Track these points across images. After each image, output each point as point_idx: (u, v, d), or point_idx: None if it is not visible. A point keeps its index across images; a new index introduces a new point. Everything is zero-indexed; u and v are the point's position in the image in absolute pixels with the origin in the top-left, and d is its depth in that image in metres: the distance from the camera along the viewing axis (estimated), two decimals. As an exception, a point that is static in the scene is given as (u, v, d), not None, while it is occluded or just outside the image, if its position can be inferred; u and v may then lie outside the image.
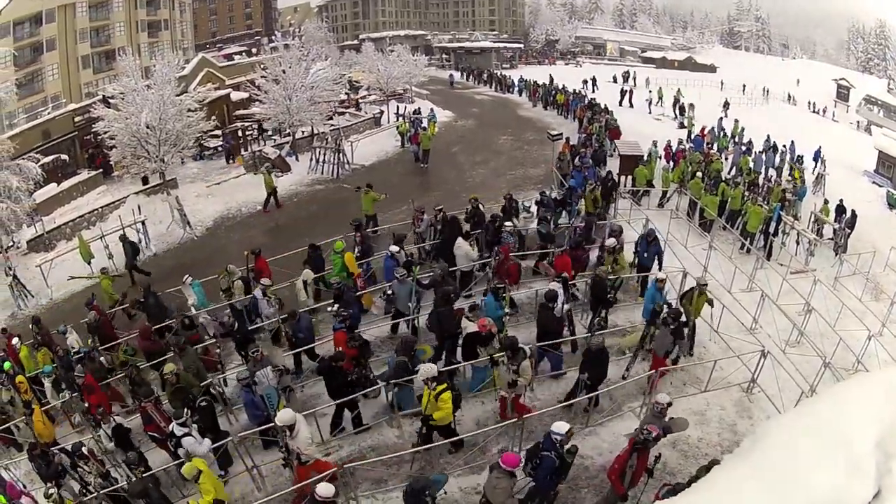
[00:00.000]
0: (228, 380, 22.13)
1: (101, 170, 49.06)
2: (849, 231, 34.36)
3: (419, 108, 62.69)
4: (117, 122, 40.64)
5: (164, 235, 37.61)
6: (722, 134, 53.71)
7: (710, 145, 49.04)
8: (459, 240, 26.54)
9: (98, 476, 17.05)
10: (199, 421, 17.72)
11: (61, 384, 22.18)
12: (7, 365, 22.56)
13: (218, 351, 22.81)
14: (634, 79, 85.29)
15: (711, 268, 27.90)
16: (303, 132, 52.84)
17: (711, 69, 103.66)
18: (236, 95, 60.84)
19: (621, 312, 25.33)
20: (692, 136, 51.03)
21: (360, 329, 22.80)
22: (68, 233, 38.47)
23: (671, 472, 17.70)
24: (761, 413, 20.26)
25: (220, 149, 52.98)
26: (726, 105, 68.62)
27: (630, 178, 37.80)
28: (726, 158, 46.75)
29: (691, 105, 62.16)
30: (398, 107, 65.52)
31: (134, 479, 16.64)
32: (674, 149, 43.23)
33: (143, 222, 35.99)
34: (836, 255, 32.97)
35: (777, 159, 47.76)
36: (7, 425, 21.15)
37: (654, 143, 41.99)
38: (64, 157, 50.12)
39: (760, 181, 41.81)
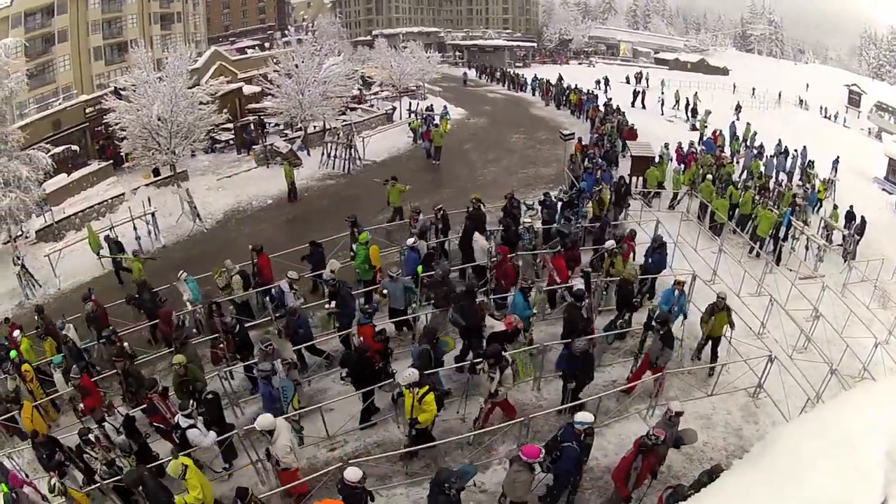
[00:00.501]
0: (235, 373, 21.82)
1: (111, 161, 49.09)
2: (858, 238, 34.29)
3: (432, 105, 62.87)
4: (129, 113, 40.70)
5: (173, 227, 37.60)
6: (734, 137, 53.50)
7: (721, 148, 48.76)
8: (476, 234, 26.62)
9: (104, 463, 16.94)
10: (205, 413, 17.68)
11: (70, 374, 21.92)
12: (13, 353, 22.64)
13: (222, 345, 22.58)
14: (647, 80, 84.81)
15: (721, 271, 27.90)
16: (315, 127, 52.79)
17: (724, 72, 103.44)
18: (248, 89, 60.74)
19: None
20: (704, 139, 50.78)
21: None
22: (77, 223, 38.59)
23: (675, 475, 17.63)
24: (767, 419, 20.17)
25: (231, 142, 53.27)
26: (738, 108, 68.34)
27: (641, 179, 37.69)
28: (738, 162, 46.70)
29: (707, 111, 62.00)
30: (410, 103, 65.36)
31: (128, 466, 16.74)
32: (685, 151, 43.09)
33: (153, 214, 35.99)
34: (845, 261, 32.92)
35: (788, 164, 47.57)
36: (11, 414, 21.01)
37: (666, 146, 41.82)
38: (74, 147, 50.25)
39: (771, 185, 41.59)
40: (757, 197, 34.45)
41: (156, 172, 44.64)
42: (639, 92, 72.14)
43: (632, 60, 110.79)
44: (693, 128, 59.09)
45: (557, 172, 41.84)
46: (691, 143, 44.55)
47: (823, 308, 25.07)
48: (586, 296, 21.76)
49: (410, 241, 25.63)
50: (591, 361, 18.83)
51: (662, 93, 72.06)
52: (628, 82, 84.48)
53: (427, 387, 16.57)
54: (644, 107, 68.95)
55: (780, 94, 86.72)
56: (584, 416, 15.57)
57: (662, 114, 66.78)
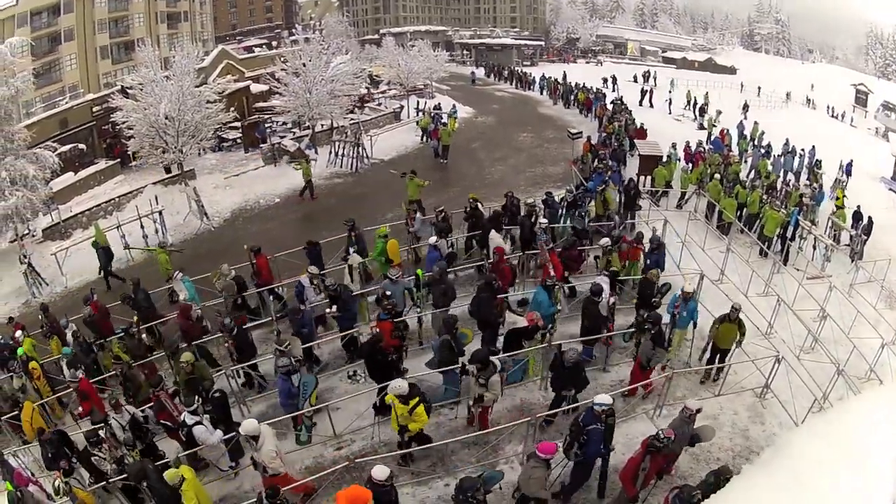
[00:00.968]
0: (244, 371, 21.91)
1: (118, 160, 49.25)
2: (865, 238, 34.15)
3: (439, 104, 62.66)
4: (136, 112, 40.88)
5: (181, 226, 37.68)
6: (741, 136, 53.42)
7: (728, 147, 48.73)
8: (493, 232, 26.71)
9: (113, 462, 16.98)
10: (212, 412, 17.69)
11: (77, 365, 22.10)
12: (21, 350, 22.78)
13: (227, 344, 22.38)
14: (655, 78, 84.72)
15: (728, 271, 27.84)
16: (322, 125, 52.69)
17: (731, 71, 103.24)
18: (256, 88, 60.99)
19: (622, 317, 24.63)
20: (712, 138, 50.84)
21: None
22: (84, 221, 38.62)
23: (682, 475, 17.54)
24: (774, 419, 20.11)
25: (239, 140, 53.53)
26: (746, 107, 68.40)
27: (649, 178, 37.77)
28: (745, 161, 46.66)
29: (719, 111, 61.93)
30: (418, 102, 65.31)
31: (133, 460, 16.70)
32: (693, 150, 43.04)
33: (160, 212, 36.03)
34: (852, 261, 32.81)
35: (796, 163, 47.53)
36: (16, 412, 20.93)
37: (674, 146, 41.78)
38: (81, 146, 50.50)
39: (778, 185, 41.57)
40: (764, 196, 34.41)
41: (168, 170, 44.56)
42: (646, 91, 72.16)
43: (639, 59, 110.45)
44: (701, 127, 59.23)
45: (565, 171, 41.79)
46: (699, 143, 44.55)
47: (830, 308, 25.09)
48: (611, 294, 21.93)
49: (433, 239, 25.73)
50: (581, 370, 18.52)
51: (670, 92, 72.15)
52: (636, 81, 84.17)
53: (418, 398, 16.52)
54: (652, 105, 68.95)
55: (787, 94, 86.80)
56: (602, 398, 15.70)
57: (670, 113, 66.79)
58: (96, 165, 48.85)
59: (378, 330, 19.91)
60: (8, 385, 22.24)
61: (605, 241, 25.14)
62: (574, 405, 18.46)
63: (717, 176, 35.83)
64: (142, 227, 34.73)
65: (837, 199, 39.02)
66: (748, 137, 53.62)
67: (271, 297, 25.74)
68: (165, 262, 28.65)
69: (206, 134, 43.78)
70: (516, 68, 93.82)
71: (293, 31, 72.09)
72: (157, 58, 42.87)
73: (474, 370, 17.79)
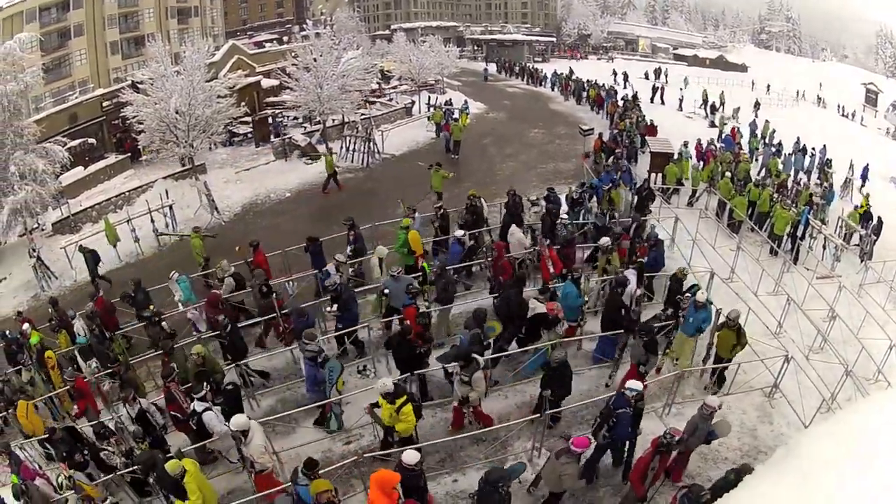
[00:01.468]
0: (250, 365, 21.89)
1: (128, 154, 49.43)
2: (874, 238, 34.01)
3: (451, 100, 63.02)
4: (146, 107, 40.94)
5: (191, 220, 37.46)
6: (752, 134, 53.32)
7: (739, 145, 48.66)
8: (513, 227, 26.75)
9: (122, 455, 17.20)
10: (223, 403, 17.75)
11: (90, 354, 22.47)
12: (35, 338, 22.93)
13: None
14: (666, 75, 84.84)
15: (739, 269, 27.76)
16: (333, 120, 52.73)
17: (742, 68, 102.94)
18: (267, 83, 60.85)
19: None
20: (723, 136, 50.78)
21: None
22: (94, 216, 38.80)
23: (689, 474, 17.48)
24: (782, 419, 20.07)
25: (249, 135, 53.96)
26: (757, 105, 68.37)
27: (660, 175, 37.80)
28: (756, 159, 46.57)
29: (737, 108, 62.00)
30: (430, 97, 65.54)
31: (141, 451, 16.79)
32: (704, 147, 42.95)
33: (170, 206, 36.29)
34: (862, 261, 32.63)
35: (807, 162, 47.40)
36: (33, 402, 21.05)
37: (685, 144, 41.55)
38: (91, 141, 50.50)
39: (789, 184, 41.44)
40: (775, 195, 34.30)
41: (182, 163, 44.64)
42: (658, 88, 72.17)
43: (651, 56, 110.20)
44: (712, 124, 59.23)
45: (576, 168, 41.85)
46: (710, 140, 44.50)
47: (840, 308, 24.98)
48: (636, 290, 22.04)
49: (459, 233, 25.96)
50: (567, 374, 18.31)
51: (681, 89, 72.08)
52: (647, 78, 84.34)
53: (405, 397, 16.47)
54: (663, 102, 68.93)
55: (798, 92, 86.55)
56: (634, 384, 16.28)
57: (681, 110, 66.68)
58: (106, 160, 48.95)
59: (407, 322, 19.88)
60: (16, 378, 22.42)
61: (606, 240, 25.02)
62: (555, 410, 18.37)
63: (728, 174, 35.75)
64: (152, 221, 34.95)
65: (861, 206, 38.74)
66: (759, 136, 53.44)
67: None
68: (199, 248, 28.78)
69: (217, 129, 43.82)
70: (527, 64, 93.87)
71: (304, 26, 71.94)
72: (168, 53, 42.91)
73: (457, 369, 17.84)
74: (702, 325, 20.95)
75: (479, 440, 18.67)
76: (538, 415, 17.51)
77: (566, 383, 18.19)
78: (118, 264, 33.44)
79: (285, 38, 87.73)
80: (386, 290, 22.51)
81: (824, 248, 32.96)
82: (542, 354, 20.40)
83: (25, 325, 24.01)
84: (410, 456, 14.10)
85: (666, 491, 16.18)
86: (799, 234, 31.61)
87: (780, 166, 44.41)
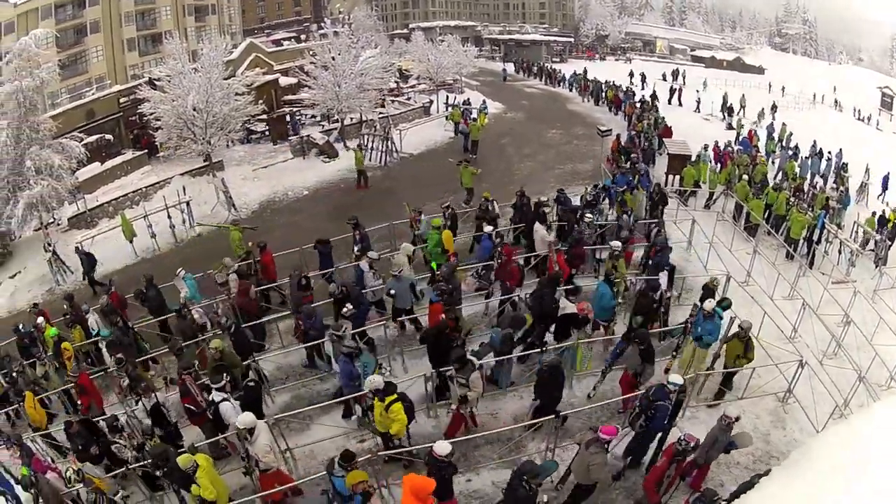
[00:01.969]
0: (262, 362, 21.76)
1: (146, 150, 49.54)
2: (889, 243, 33.74)
3: (468, 99, 62.78)
4: (164, 103, 41.13)
5: (208, 216, 37.76)
6: (769, 137, 53.08)
7: (756, 148, 48.34)
8: (537, 224, 26.88)
9: (133, 449, 17.13)
10: (242, 398, 17.74)
11: (116, 346, 22.46)
12: (52, 331, 23.09)
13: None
14: (684, 77, 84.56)
15: (755, 273, 27.56)
16: (351, 119, 52.76)
17: (759, 71, 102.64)
18: (284, 80, 61.12)
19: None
20: (740, 138, 50.52)
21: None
22: (111, 211, 39.13)
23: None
24: (795, 424, 19.93)
25: (267, 132, 53.98)
26: (774, 108, 67.98)
27: (678, 177, 37.50)
28: (773, 162, 46.34)
29: (762, 109, 61.93)
30: (447, 97, 65.51)
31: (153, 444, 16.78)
32: (721, 150, 42.78)
33: (187, 203, 36.29)
34: (876, 266, 32.37)
35: (823, 166, 47.06)
36: (39, 396, 21.17)
37: (705, 147, 41.21)
38: (108, 137, 50.73)
39: (805, 187, 41.21)
40: (792, 199, 34.09)
41: (205, 158, 44.72)
42: (675, 89, 71.84)
43: (668, 57, 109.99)
44: (729, 127, 58.86)
45: (594, 169, 41.59)
46: (728, 143, 44.28)
47: (854, 314, 24.71)
48: (667, 290, 22.45)
49: (489, 228, 26.16)
50: (559, 378, 18.26)
51: (698, 91, 71.92)
52: (664, 79, 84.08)
53: (395, 395, 16.38)
54: (681, 104, 68.69)
55: (814, 96, 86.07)
56: (675, 378, 16.53)
57: (698, 111, 66.37)
58: (123, 156, 49.26)
59: (443, 317, 19.83)
60: (31, 371, 22.54)
61: (616, 243, 24.73)
62: (548, 418, 17.93)
63: (746, 177, 35.47)
64: (169, 217, 35.00)
65: (889, 220, 38.45)
66: (776, 139, 53.17)
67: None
68: (238, 240, 28.92)
69: (235, 126, 43.89)
70: (545, 64, 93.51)
71: (322, 24, 72.04)
72: (185, 50, 43.05)
73: (453, 371, 17.82)
74: (707, 336, 20.48)
75: (493, 440, 18.54)
76: (553, 416, 17.39)
77: (557, 387, 18.17)
78: (134, 259, 33.64)
79: (303, 37, 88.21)
80: (392, 291, 22.54)
81: (840, 252, 32.60)
82: (574, 354, 20.48)
83: (40, 319, 24.18)
84: (442, 447, 14.11)
85: (678, 495, 16.12)
86: (815, 238, 31.43)
87: (797, 170, 44.19)
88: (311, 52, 52.01)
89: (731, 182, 36.09)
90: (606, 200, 31.07)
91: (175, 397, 19.30)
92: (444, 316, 19.84)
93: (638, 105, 55.67)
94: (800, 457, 14.10)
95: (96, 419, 18.22)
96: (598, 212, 30.12)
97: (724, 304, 21.52)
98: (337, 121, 52.43)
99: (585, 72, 78.18)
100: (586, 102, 68.85)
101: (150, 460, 16.03)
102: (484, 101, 61.81)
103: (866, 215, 37.12)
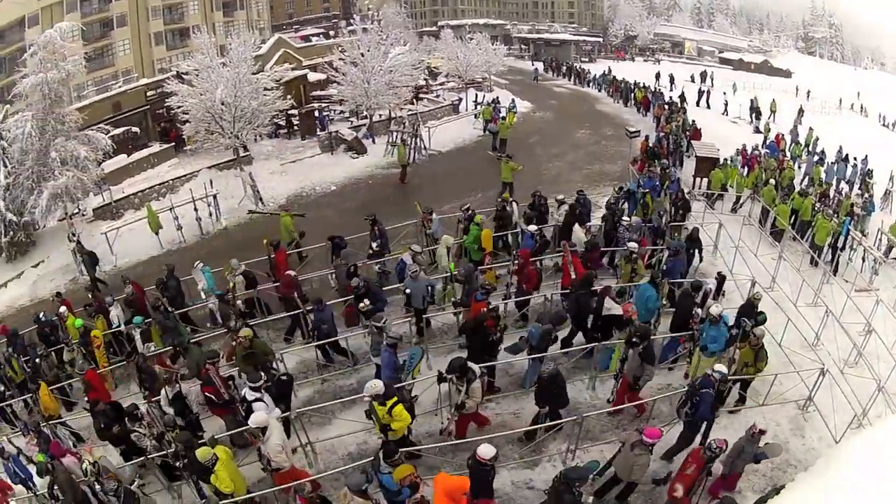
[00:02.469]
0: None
1: (173, 144, 49.85)
2: (912, 251, 33.54)
3: (497, 98, 62.62)
4: (192, 97, 41.18)
5: (235, 210, 38.16)
6: (794, 142, 52.78)
7: (783, 152, 48.07)
8: (576, 226, 27.31)
9: (153, 438, 17.22)
10: (271, 389, 17.83)
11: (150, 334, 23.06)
12: (79, 322, 23.18)
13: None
14: (712, 79, 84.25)
15: (779, 278, 27.43)
16: (380, 115, 52.83)
17: (787, 74, 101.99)
18: (313, 76, 61.27)
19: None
20: (767, 142, 50.40)
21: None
22: (137, 203, 39.35)
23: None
24: (814, 433, 19.84)
25: (296, 127, 53.86)
26: (801, 112, 67.52)
27: (706, 180, 37.50)
28: (799, 167, 46.10)
29: (799, 113, 61.80)
30: (476, 95, 65.68)
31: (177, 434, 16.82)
32: (749, 153, 42.59)
33: (214, 196, 36.56)
34: (899, 275, 32.22)
35: (849, 172, 46.48)
36: (60, 384, 21.85)
37: (737, 151, 41.57)
38: (135, 129, 50.93)
39: (831, 193, 40.94)
40: (818, 204, 33.82)
41: (235, 152, 44.70)
42: (703, 91, 71.63)
43: (696, 59, 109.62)
44: (756, 130, 58.65)
45: (622, 169, 41.57)
46: (755, 146, 44.21)
47: (876, 323, 24.43)
48: (714, 298, 22.46)
49: (533, 227, 26.28)
50: (560, 387, 18.13)
51: (725, 94, 71.62)
52: (693, 81, 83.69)
53: (395, 398, 16.33)
54: (709, 106, 68.35)
55: (840, 101, 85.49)
56: (720, 367, 17.23)
57: (726, 114, 66.20)
58: (150, 148, 49.45)
59: (485, 310, 19.95)
60: (54, 357, 23.00)
61: (633, 245, 24.69)
62: (554, 423, 18.20)
63: (773, 181, 35.38)
64: (195, 209, 35.22)
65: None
66: (802, 143, 52.88)
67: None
68: (289, 225, 29.78)
69: (263, 121, 43.85)
70: (575, 64, 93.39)
71: (351, 20, 72.65)
72: (213, 45, 43.09)
73: (454, 378, 17.67)
74: (711, 343, 20.18)
75: (513, 440, 18.57)
76: (575, 418, 17.38)
77: (560, 395, 18.12)
78: (160, 251, 33.89)
79: (332, 33, 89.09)
80: (407, 290, 22.60)
81: (863, 260, 32.28)
82: (610, 351, 20.70)
83: (62, 308, 24.41)
84: (486, 450, 14.26)
85: (696, 501, 16.06)
86: (839, 244, 31.27)
87: (823, 175, 43.86)
88: (340, 49, 52.24)
89: (758, 186, 35.88)
90: (626, 204, 30.71)
91: (196, 388, 19.42)
92: (484, 309, 19.91)
93: (667, 107, 55.50)
94: (816, 470, 14.07)
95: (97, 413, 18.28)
96: (620, 215, 29.61)
97: (761, 318, 21.16)
98: (366, 117, 52.43)
99: (609, 71, 78.60)
100: (616, 103, 68.65)
101: (174, 448, 16.17)
102: (513, 100, 61.97)
103: (890, 222, 36.65)
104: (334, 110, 57.40)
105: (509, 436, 18.48)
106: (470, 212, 28.03)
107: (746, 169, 39.87)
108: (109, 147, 39.18)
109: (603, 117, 61.77)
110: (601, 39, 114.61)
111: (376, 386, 16.30)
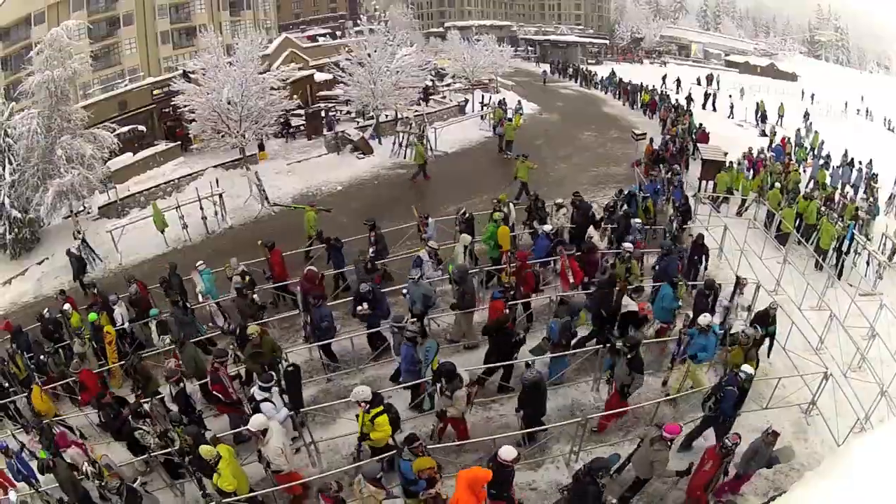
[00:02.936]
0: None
1: (179, 142, 49.65)
2: (917, 256, 33.49)
3: (504, 99, 62.50)
4: (198, 96, 41.38)
5: (241, 209, 38.24)
6: (798, 145, 52.78)
7: (789, 156, 48.03)
8: (591, 228, 27.38)
9: (156, 436, 17.21)
10: (279, 382, 17.93)
11: (166, 327, 23.16)
12: (93, 316, 23.34)
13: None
14: (718, 82, 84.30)
15: (784, 282, 27.50)
16: (386, 116, 52.98)
17: (793, 77, 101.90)
18: (320, 76, 61.35)
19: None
20: (773, 146, 50.26)
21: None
22: (142, 201, 39.45)
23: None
24: (816, 437, 19.85)
25: (302, 127, 53.90)
26: (806, 115, 67.69)
27: (711, 183, 37.63)
28: (804, 171, 46.06)
29: (806, 117, 61.68)
30: (483, 96, 65.54)
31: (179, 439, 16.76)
32: (755, 157, 42.65)
33: (220, 195, 36.58)
34: (903, 279, 32.20)
35: (854, 176, 46.38)
36: (67, 380, 21.96)
37: (743, 156, 41.69)
38: (141, 128, 50.90)
39: (836, 197, 40.66)
40: (823, 208, 33.85)
41: (242, 151, 44.93)
42: (710, 94, 71.77)
43: (703, 62, 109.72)
44: (762, 133, 58.69)
45: (628, 172, 41.71)
46: (761, 150, 44.22)
47: (879, 327, 24.43)
48: (730, 299, 22.69)
49: (548, 227, 26.65)
50: (542, 393, 18.06)
51: (731, 96, 71.55)
52: (699, 84, 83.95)
53: (381, 408, 16.33)
54: (715, 109, 68.63)
55: (846, 104, 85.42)
56: (747, 368, 17.43)
57: (732, 117, 66.25)
58: (156, 147, 49.32)
59: (507, 311, 20.28)
60: (62, 353, 23.43)
61: (628, 246, 24.79)
62: (540, 429, 18.30)
63: (778, 184, 35.33)
64: (201, 208, 35.22)
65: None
66: (807, 147, 52.88)
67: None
68: (313, 220, 30.12)
69: (270, 120, 44.08)
70: (581, 66, 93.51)
71: (358, 21, 72.58)
72: (220, 44, 43.30)
73: (441, 383, 17.68)
74: (700, 352, 20.04)
75: (519, 441, 18.17)
76: (579, 419, 17.47)
77: (540, 402, 18.03)
78: (166, 250, 33.94)
79: (338, 33, 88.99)
80: (405, 293, 22.73)
81: (867, 264, 32.24)
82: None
83: (67, 305, 24.58)
84: (508, 452, 14.24)
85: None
86: (844, 248, 31.16)
87: (828, 179, 43.89)
88: (346, 49, 52.59)
89: (764, 189, 35.91)
90: (625, 206, 30.57)
91: (194, 386, 19.68)
92: (507, 311, 20.22)
93: (673, 109, 55.54)
94: (818, 474, 14.07)
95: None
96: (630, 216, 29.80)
97: (772, 329, 21.54)
98: (372, 118, 52.44)
99: (613, 73, 78.75)
100: (624, 106, 68.83)
101: (179, 444, 16.29)
102: (519, 102, 61.94)
103: (895, 226, 36.74)
104: (341, 110, 57.45)
105: (512, 437, 18.10)
106: (466, 215, 28.26)
107: (752, 172, 40.04)
108: (115, 145, 39.42)
109: (609, 119, 61.97)
110: (608, 41, 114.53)
111: (364, 392, 16.26)
